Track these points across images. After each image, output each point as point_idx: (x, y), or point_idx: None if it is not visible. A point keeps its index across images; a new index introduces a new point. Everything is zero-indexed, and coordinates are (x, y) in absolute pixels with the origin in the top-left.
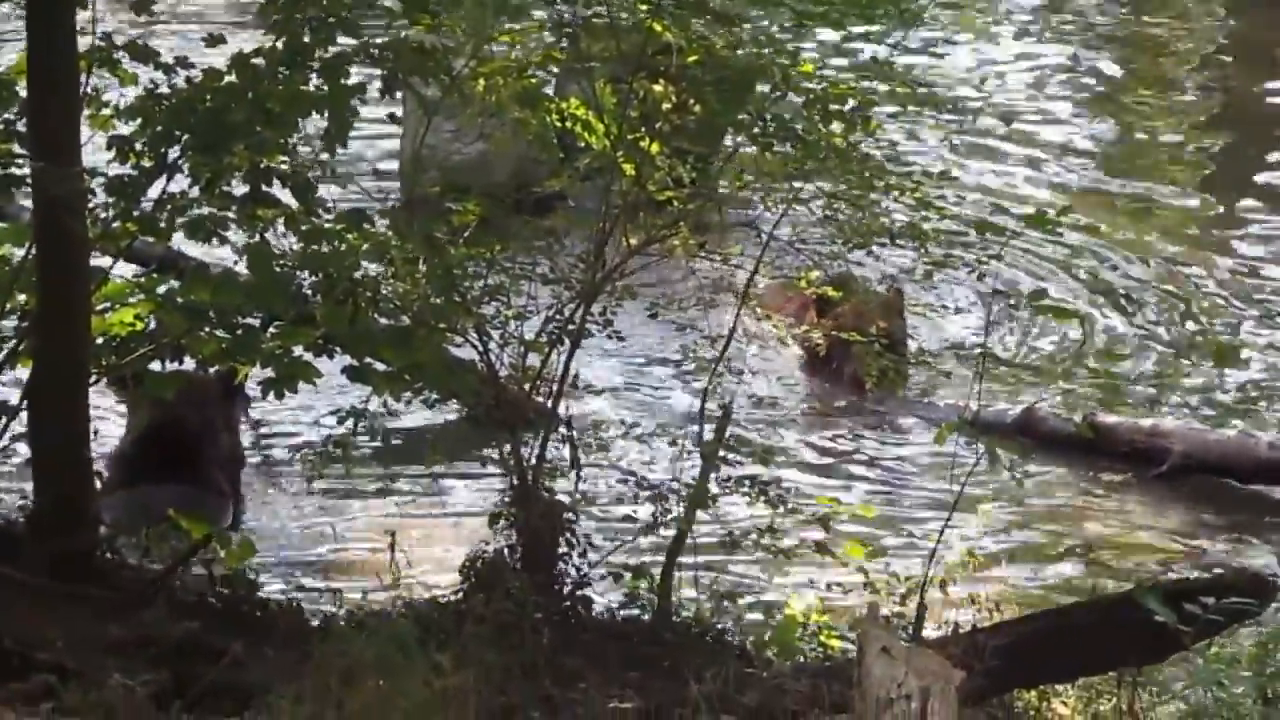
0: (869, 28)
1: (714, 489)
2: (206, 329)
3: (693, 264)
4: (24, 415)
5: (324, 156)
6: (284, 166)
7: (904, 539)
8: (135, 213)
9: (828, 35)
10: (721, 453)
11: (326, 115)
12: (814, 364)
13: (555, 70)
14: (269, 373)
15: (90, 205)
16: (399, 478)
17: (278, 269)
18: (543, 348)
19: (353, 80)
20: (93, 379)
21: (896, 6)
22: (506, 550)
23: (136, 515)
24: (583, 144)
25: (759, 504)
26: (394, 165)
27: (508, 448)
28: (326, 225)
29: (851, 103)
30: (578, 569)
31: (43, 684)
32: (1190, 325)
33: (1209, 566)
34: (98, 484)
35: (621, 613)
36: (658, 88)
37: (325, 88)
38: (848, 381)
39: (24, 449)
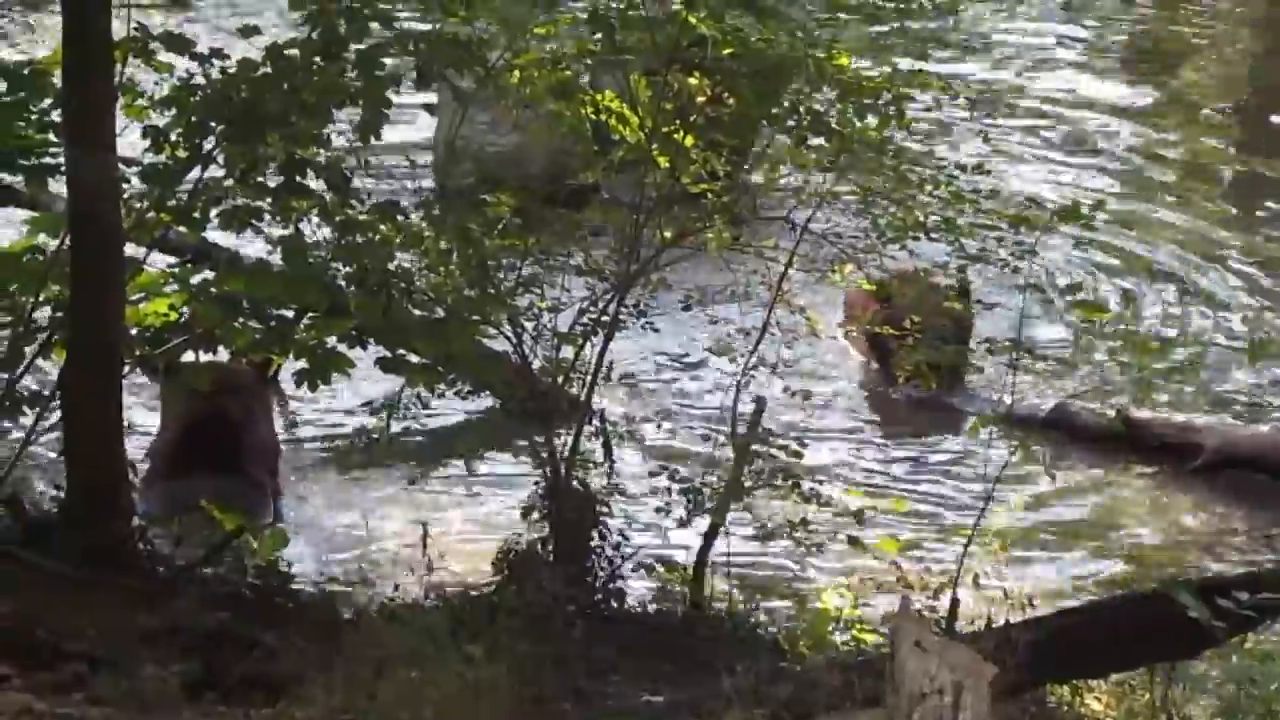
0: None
1: (747, 482)
2: (240, 320)
3: (727, 257)
4: (57, 405)
5: (358, 147)
6: (318, 157)
7: (937, 533)
8: (170, 203)
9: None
10: (754, 446)
11: (361, 106)
12: (866, 360)
13: (590, 62)
14: (303, 364)
15: (125, 195)
16: (432, 470)
17: (312, 260)
18: (576, 340)
19: (387, 71)
20: (126, 369)
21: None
22: (539, 542)
23: (177, 508)
24: (617, 136)
25: (792, 498)
26: (428, 157)
27: (541, 440)
28: (361, 216)
29: (886, 95)
30: (610, 561)
31: (74, 673)
32: (1226, 320)
33: (1242, 562)
34: (134, 476)
35: (654, 605)
36: (692, 80)
37: (359, 79)
38: (888, 376)
39: (57, 439)
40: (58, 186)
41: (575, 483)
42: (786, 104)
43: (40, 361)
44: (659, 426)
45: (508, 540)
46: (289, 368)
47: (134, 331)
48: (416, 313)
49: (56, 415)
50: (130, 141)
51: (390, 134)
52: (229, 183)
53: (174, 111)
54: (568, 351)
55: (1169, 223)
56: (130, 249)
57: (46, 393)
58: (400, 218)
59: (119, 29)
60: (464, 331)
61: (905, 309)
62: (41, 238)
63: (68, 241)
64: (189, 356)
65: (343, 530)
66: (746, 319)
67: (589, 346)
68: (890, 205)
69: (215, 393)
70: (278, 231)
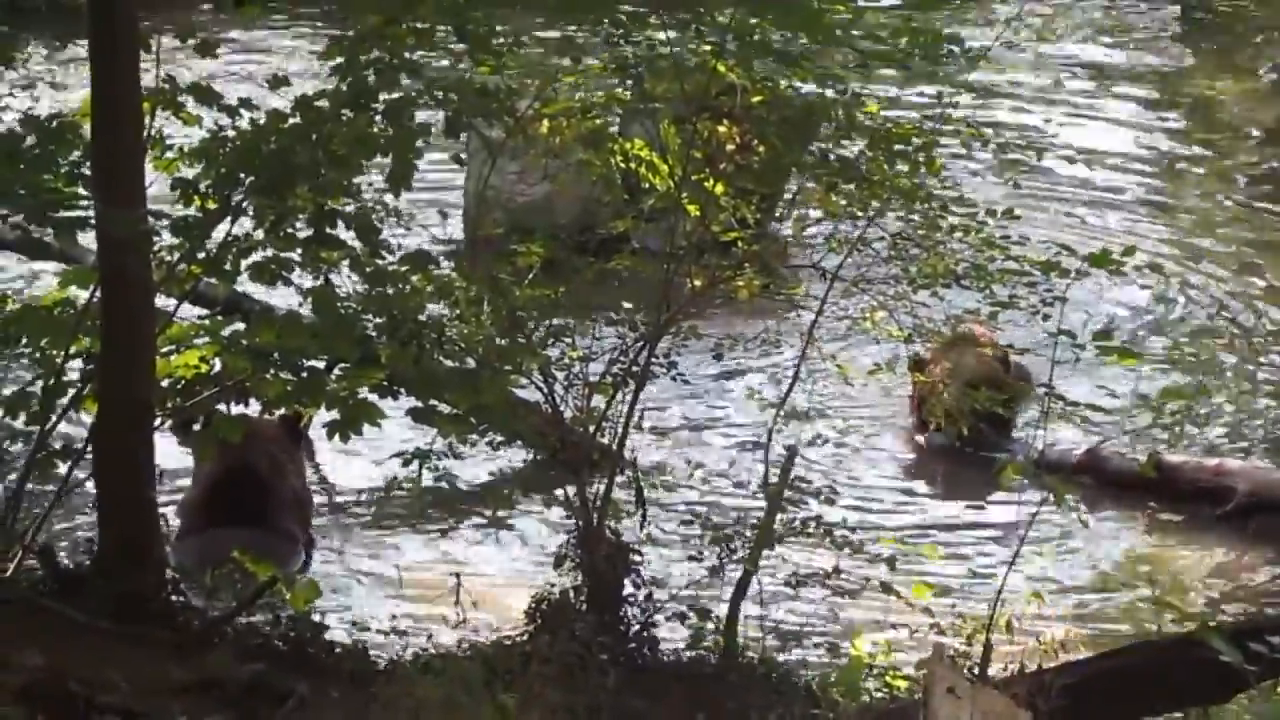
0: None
1: (779, 530)
2: (271, 371)
3: (757, 305)
4: (90, 457)
5: (388, 198)
6: (348, 208)
7: (969, 579)
8: (200, 255)
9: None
10: (786, 494)
11: (390, 157)
12: (915, 413)
13: (619, 111)
14: (334, 414)
15: (155, 247)
16: (464, 520)
17: (342, 311)
18: (608, 389)
19: (417, 122)
20: (157, 421)
21: (961, 47)
22: (572, 591)
23: (208, 561)
24: (647, 185)
25: (824, 545)
26: (458, 207)
27: (573, 489)
28: (391, 267)
29: (916, 142)
30: (643, 610)
31: None
32: (1255, 361)
33: (1274, 606)
34: (166, 529)
35: (687, 653)
36: (722, 128)
37: (389, 130)
38: (917, 425)
39: (89, 491)
40: (88, 240)
41: (607, 531)
42: (816, 151)
43: (72, 414)
44: (691, 475)
45: (540, 589)
46: (320, 419)
47: (165, 383)
48: (447, 363)
49: (89, 468)
50: (160, 193)
51: (420, 185)
52: (259, 234)
53: (203, 163)
54: (599, 401)
55: (1198, 266)
56: (161, 301)
57: (78, 445)
58: (431, 268)
59: (148, 81)
60: (495, 381)
61: (937, 358)
62: (72, 291)
63: (98, 294)
64: (220, 409)
65: (376, 580)
66: (778, 367)
67: (620, 395)
68: (920, 252)
69: (241, 447)
70: (308, 283)
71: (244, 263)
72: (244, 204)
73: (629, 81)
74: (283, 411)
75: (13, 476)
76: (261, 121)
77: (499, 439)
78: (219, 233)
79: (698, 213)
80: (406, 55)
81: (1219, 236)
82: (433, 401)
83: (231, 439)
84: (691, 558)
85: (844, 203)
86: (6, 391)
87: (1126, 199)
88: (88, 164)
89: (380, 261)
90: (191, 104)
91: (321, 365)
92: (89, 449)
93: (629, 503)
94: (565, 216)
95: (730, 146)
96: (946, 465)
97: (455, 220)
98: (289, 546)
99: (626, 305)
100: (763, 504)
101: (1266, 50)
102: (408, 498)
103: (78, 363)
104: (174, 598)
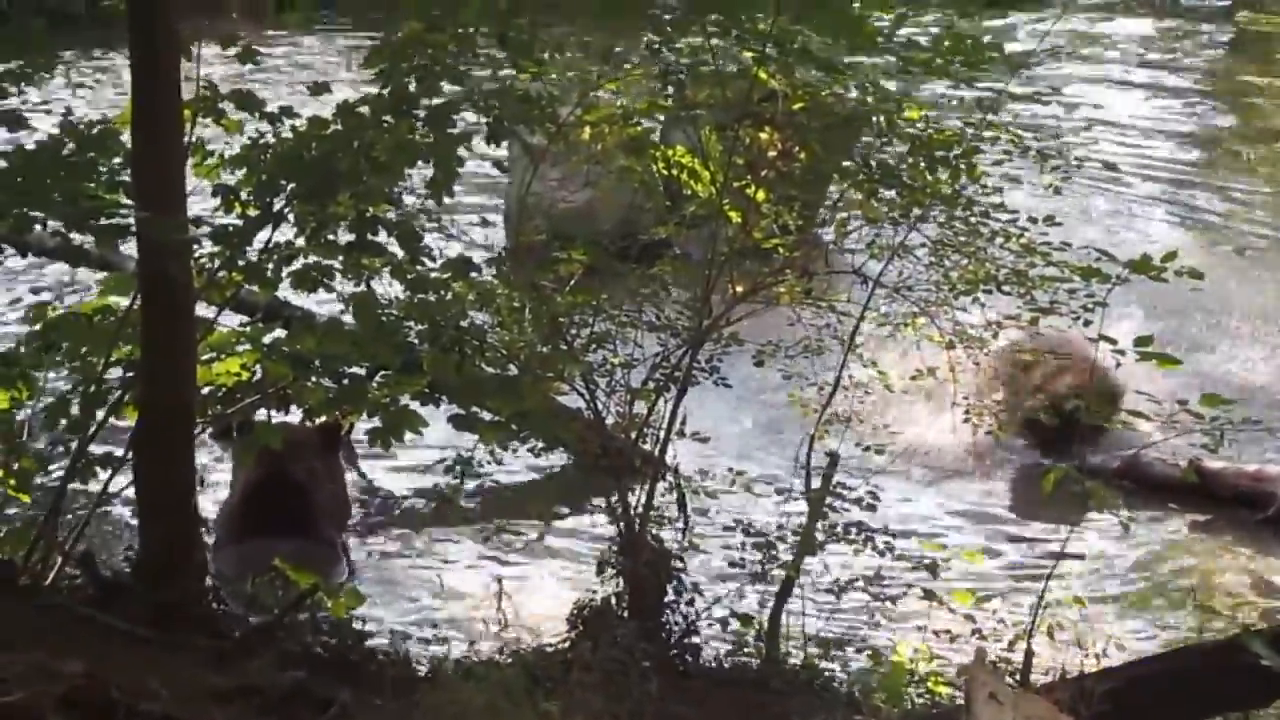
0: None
1: (821, 536)
2: (312, 378)
3: (799, 311)
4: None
5: (430, 205)
6: (389, 215)
7: (1011, 585)
8: (241, 262)
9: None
10: (828, 500)
11: (432, 163)
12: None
13: (661, 118)
14: (375, 422)
15: (196, 254)
16: (506, 526)
17: (384, 318)
18: (649, 395)
19: (458, 128)
20: (198, 428)
21: (1003, 54)
22: (614, 598)
23: (247, 570)
24: (688, 191)
25: (866, 551)
26: (500, 213)
27: (614, 495)
28: (433, 274)
29: (956, 149)
30: (685, 616)
31: None
32: None
33: None
34: (207, 538)
35: (729, 660)
36: (763, 134)
37: (431, 136)
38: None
39: (129, 498)
40: (128, 247)
41: (649, 538)
42: (857, 157)
43: (112, 421)
44: (733, 481)
45: (582, 596)
46: (361, 426)
47: (205, 391)
48: (489, 370)
49: (129, 474)
50: (200, 200)
51: (462, 191)
52: (300, 242)
53: (244, 170)
54: (641, 407)
55: (1246, 270)
56: (201, 308)
57: (119, 453)
58: (473, 275)
59: (188, 88)
60: (537, 388)
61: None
62: (113, 298)
63: (139, 302)
64: (261, 415)
65: (417, 587)
66: (819, 373)
67: (662, 402)
68: (962, 258)
69: (278, 455)
70: (350, 289)
71: (285, 270)
72: (285, 211)
73: (670, 88)
74: (323, 419)
75: (53, 483)
76: (303, 128)
77: (541, 446)
78: (260, 240)
79: (739, 219)
80: (449, 62)
81: (1262, 238)
82: (474, 408)
83: (271, 445)
84: (733, 564)
85: (885, 209)
86: (47, 400)
87: (1167, 203)
88: (128, 171)
89: (422, 268)
90: (233, 110)
91: (363, 372)
92: (129, 456)
93: (671, 507)
94: (607, 223)
95: (772, 153)
96: (991, 470)
97: (497, 227)
98: (331, 555)
99: (669, 312)
100: (804, 510)
101: None
102: (450, 505)
103: (118, 370)
104: (214, 605)
